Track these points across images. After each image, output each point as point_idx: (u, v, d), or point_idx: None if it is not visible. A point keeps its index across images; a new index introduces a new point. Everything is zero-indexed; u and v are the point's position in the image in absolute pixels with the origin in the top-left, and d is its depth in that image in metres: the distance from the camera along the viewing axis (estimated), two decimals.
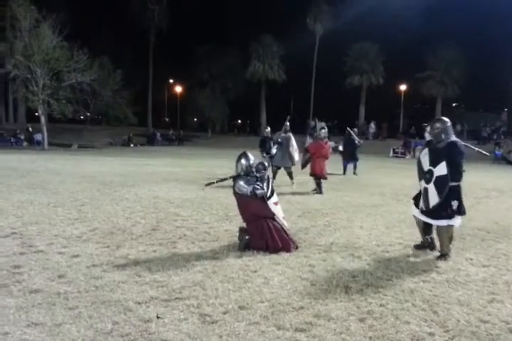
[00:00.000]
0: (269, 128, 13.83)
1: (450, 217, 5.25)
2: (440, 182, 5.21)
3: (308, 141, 12.60)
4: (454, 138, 5.37)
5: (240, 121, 55.63)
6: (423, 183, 5.51)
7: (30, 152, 24.55)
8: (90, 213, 7.58)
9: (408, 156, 29.90)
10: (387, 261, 5.30)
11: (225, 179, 6.14)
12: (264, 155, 12.30)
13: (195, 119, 47.30)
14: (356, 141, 16.37)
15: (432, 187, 5.30)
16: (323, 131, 11.09)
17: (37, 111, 30.09)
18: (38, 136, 31.78)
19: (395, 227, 7.11)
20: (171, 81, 52.81)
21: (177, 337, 3.28)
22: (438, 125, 5.44)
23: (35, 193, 9.51)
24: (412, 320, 3.66)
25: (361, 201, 9.83)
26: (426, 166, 5.48)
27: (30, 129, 34.49)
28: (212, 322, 3.53)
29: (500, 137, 33.40)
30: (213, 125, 46.11)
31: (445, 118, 5.58)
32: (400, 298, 4.11)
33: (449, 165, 5.15)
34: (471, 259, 5.43)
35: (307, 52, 44.07)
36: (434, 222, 5.41)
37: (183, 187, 11.08)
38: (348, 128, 17.08)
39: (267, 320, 3.60)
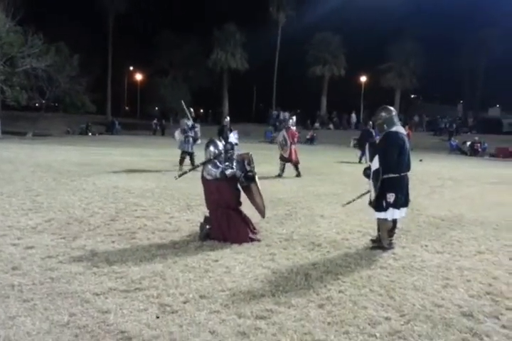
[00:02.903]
0: (228, 118, 14.83)
1: (385, 209, 5.16)
2: (375, 177, 5.17)
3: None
4: (393, 128, 5.20)
5: (201, 110, 55.19)
6: (367, 179, 5.46)
7: None
8: (46, 203, 7.35)
9: None
10: (347, 248, 5.40)
11: (197, 166, 6.08)
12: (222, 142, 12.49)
13: (156, 108, 46.44)
14: (374, 134, 18.01)
15: (371, 183, 5.28)
16: (291, 120, 12.57)
17: None
18: None
19: (354, 215, 7.24)
20: (131, 68, 51.65)
21: (136, 327, 3.24)
22: (383, 114, 5.24)
23: None
24: (370, 305, 3.75)
25: (322, 190, 9.96)
26: (368, 162, 5.44)
27: None
28: (173, 312, 3.50)
29: (453, 126, 34.66)
30: (175, 114, 45.47)
31: (390, 107, 5.40)
32: (358, 284, 4.20)
33: (381, 157, 5.06)
34: (426, 246, 5.60)
35: (270, 41, 43.98)
36: (374, 214, 5.40)
37: (144, 177, 10.90)
38: (370, 122, 18.67)
39: (228, 308, 3.60)
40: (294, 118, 13.05)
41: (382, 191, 5.13)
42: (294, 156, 12.12)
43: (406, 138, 5.35)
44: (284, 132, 12.27)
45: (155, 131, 39.75)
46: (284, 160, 12.20)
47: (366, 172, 5.40)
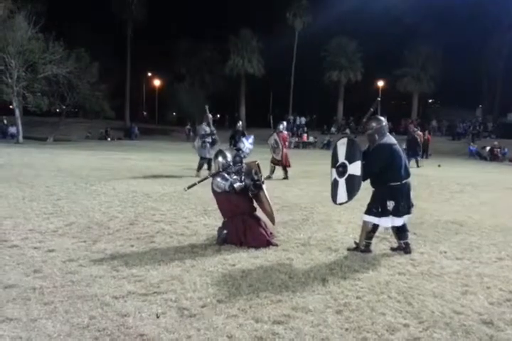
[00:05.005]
0: (240, 123, 15.06)
1: (379, 215, 5.14)
2: (350, 182, 5.03)
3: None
4: (383, 140, 5.15)
5: (218, 116, 55.53)
6: (334, 174, 5.33)
7: (4, 145, 24.00)
8: (66, 207, 7.47)
9: None
10: (364, 254, 5.36)
11: (206, 178, 6.13)
12: (232, 147, 12.58)
13: (174, 113, 46.81)
14: (418, 140, 19.23)
15: (342, 183, 5.15)
16: (281, 125, 12.78)
17: (11, 104, 29.40)
18: (12, 129, 31.10)
19: None
20: (149, 74, 52.28)
21: (155, 331, 3.27)
22: (373, 124, 5.19)
23: (9, 187, 9.31)
24: (388, 311, 3.73)
25: None
26: (341, 158, 5.24)
27: (5, 122, 33.71)
28: (191, 316, 3.52)
29: (476, 129, 34.38)
30: (192, 119, 45.79)
31: (381, 117, 5.35)
32: (376, 290, 4.18)
33: (372, 169, 5.01)
34: (445, 252, 5.53)
35: (286, 46, 44.06)
36: (362, 216, 5.36)
37: (162, 182, 10.99)
38: (413, 127, 20.34)
39: (245, 313, 3.61)
40: (285, 122, 13.52)
41: (383, 198, 5.13)
42: (285, 159, 12.43)
43: (398, 147, 5.26)
44: (275, 136, 12.51)
45: (188, 136, 39.99)
46: (274, 162, 12.54)
47: (338, 170, 5.23)
